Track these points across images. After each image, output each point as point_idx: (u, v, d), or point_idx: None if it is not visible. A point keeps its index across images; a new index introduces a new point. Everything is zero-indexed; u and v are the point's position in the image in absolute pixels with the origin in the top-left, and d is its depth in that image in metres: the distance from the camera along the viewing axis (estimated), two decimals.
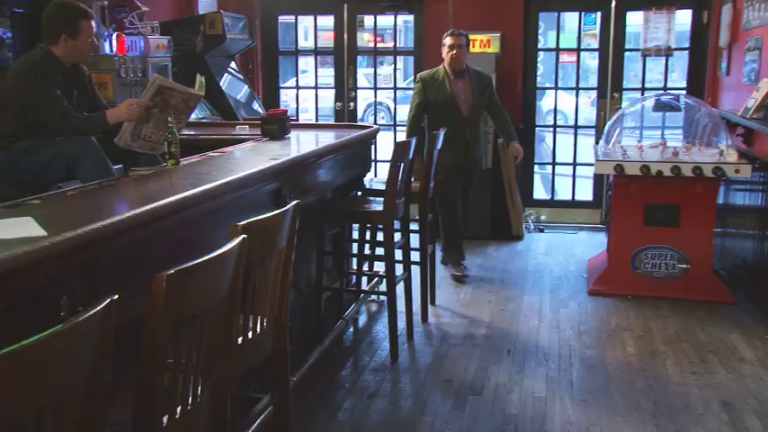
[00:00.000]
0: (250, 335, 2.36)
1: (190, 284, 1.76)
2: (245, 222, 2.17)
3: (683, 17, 7.31)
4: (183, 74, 6.20)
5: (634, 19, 7.41)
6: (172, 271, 1.67)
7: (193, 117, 5.72)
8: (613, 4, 7.29)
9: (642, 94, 7.41)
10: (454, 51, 5.71)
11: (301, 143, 4.50)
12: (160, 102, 3.54)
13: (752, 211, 5.35)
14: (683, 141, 6.11)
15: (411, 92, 8.12)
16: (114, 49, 5.65)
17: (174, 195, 2.55)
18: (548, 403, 3.77)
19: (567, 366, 4.24)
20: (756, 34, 5.64)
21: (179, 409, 1.82)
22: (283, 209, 2.46)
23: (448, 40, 5.74)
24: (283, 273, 2.52)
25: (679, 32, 7.31)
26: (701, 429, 3.49)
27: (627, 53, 7.50)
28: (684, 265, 5.44)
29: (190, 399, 1.85)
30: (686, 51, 7.40)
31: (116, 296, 1.47)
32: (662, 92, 7.16)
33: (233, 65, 7.41)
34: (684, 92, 7.22)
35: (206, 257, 1.80)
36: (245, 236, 2.06)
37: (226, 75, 7.17)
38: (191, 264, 1.74)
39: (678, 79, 7.74)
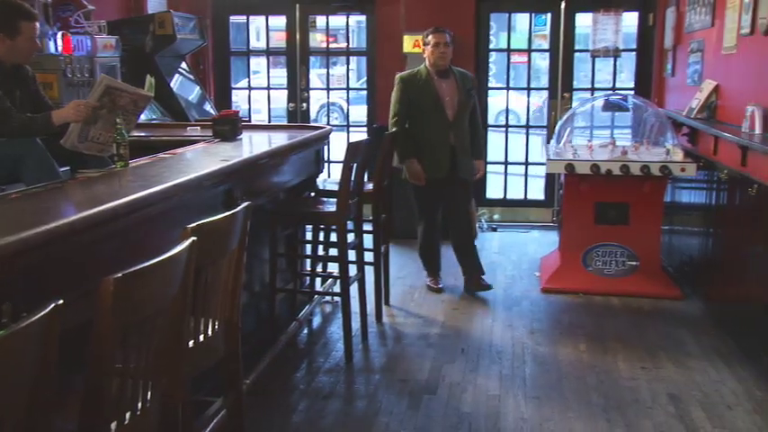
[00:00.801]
0: (201, 338, 2.33)
1: (138, 288, 1.73)
2: (195, 224, 2.15)
3: (630, 19, 7.45)
4: (133, 74, 6.09)
5: (583, 20, 7.53)
6: (119, 274, 1.64)
7: (143, 118, 5.63)
8: (563, 5, 7.39)
9: (592, 95, 7.53)
10: (441, 49, 5.28)
11: (253, 144, 4.47)
12: (108, 102, 3.48)
13: (697, 209, 5.48)
14: (632, 141, 6.23)
15: (364, 92, 8.20)
16: (59, 48, 5.53)
17: (123, 197, 2.51)
18: (501, 401, 3.81)
19: (520, 364, 4.28)
20: (698, 37, 5.77)
21: (128, 414, 1.79)
22: (234, 210, 2.44)
23: (432, 38, 5.30)
24: (235, 275, 2.50)
25: (626, 34, 7.45)
26: (649, 423, 3.56)
27: (576, 54, 7.61)
28: (634, 262, 5.54)
29: (139, 404, 1.83)
30: (633, 52, 7.55)
31: (61, 301, 1.44)
32: (611, 92, 7.28)
33: (184, 65, 7.32)
34: (632, 92, 7.36)
35: (155, 260, 1.78)
36: (195, 238, 2.03)
37: (176, 75, 7.09)
38: (139, 267, 1.71)
39: (626, 80, 7.88)
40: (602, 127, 7.16)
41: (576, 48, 7.61)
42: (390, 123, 5.35)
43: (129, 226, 2.53)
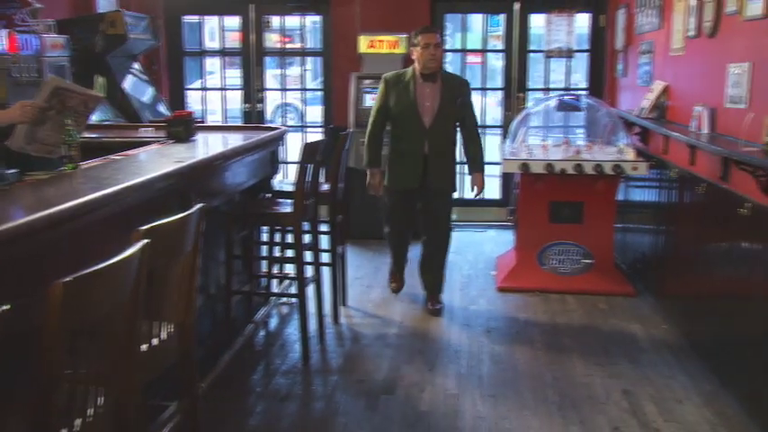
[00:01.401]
0: (155, 341, 2.30)
1: (88, 292, 1.70)
2: (147, 227, 2.12)
3: (583, 20, 7.55)
4: (83, 74, 5.99)
5: (536, 21, 7.61)
6: (69, 278, 1.61)
7: (95, 119, 5.54)
8: (516, 6, 7.47)
9: (546, 95, 7.61)
10: (431, 50, 4.85)
11: (208, 145, 4.42)
12: (57, 103, 3.41)
13: (649, 207, 5.58)
14: (585, 140, 6.31)
15: (320, 92, 8.18)
16: (5, 47, 5.39)
17: (74, 200, 2.47)
18: (459, 400, 3.83)
19: (477, 363, 4.31)
20: (648, 38, 5.88)
21: (78, 422, 1.75)
22: (187, 212, 2.41)
23: (421, 39, 4.88)
24: (189, 277, 2.47)
25: (579, 35, 7.55)
26: (603, 418, 3.61)
27: (531, 54, 7.69)
28: (588, 260, 5.62)
29: (90, 410, 1.79)
30: (586, 53, 7.65)
31: (7, 306, 1.41)
32: (564, 92, 7.38)
33: (136, 66, 7.21)
34: (585, 92, 7.47)
35: (105, 264, 1.75)
36: (146, 240, 2.00)
37: (129, 76, 6.97)
38: (88, 270, 1.68)
39: (580, 80, 7.98)
40: (557, 127, 7.24)
41: (530, 48, 7.70)
42: (368, 126, 5.14)
43: (80, 229, 2.48)
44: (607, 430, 3.50)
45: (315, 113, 8.44)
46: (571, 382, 4.04)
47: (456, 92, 4.99)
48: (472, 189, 5.19)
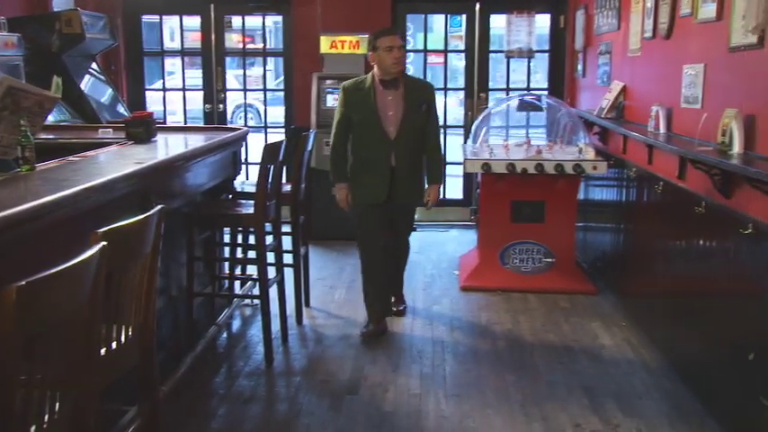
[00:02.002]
0: (114, 345, 2.27)
1: (44, 296, 1.67)
2: (105, 229, 2.09)
3: (543, 21, 7.63)
4: (38, 74, 5.86)
5: (497, 22, 7.67)
6: (22, 282, 1.58)
7: (52, 120, 5.44)
8: (477, 7, 7.51)
9: (507, 95, 7.68)
10: (395, 53, 4.48)
11: (169, 146, 4.38)
12: (11, 104, 3.33)
13: (609, 206, 5.66)
14: (546, 140, 6.39)
15: (281, 93, 8.14)
16: None
17: (29, 202, 2.42)
18: (422, 399, 3.84)
19: (440, 362, 4.32)
20: (606, 39, 5.96)
21: (33, 428, 1.72)
22: (147, 214, 2.38)
23: (383, 41, 4.49)
24: (148, 279, 2.44)
25: (540, 35, 7.63)
26: (565, 415, 3.65)
27: (492, 54, 7.75)
28: (550, 259, 5.67)
29: (47, 416, 1.76)
30: (547, 54, 7.73)
31: None
32: (525, 92, 7.46)
33: (94, 66, 7.10)
34: (546, 92, 7.54)
35: (61, 267, 1.72)
36: (105, 243, 1.97)
37: (87, 76, 6.87)
38: (44, 274, 1.65)
39: (541, 80, 8.06)
40: (518, 126, 7.32)
41: (491, 49, 7.76)
42: (332, 140, 4.75)
43: (37, 232, 2.44)
44: (569, 427, 3.54)
45: (276, 114, 8.40)
46: (533, 380, 4.07)
47: (420, 97, 4.64)
48: (425, 201, 4.83)
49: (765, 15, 3.01)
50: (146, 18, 7.92)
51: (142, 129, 4.37)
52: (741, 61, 3.40)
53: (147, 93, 8.07)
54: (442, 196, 7.84)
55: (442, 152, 4.86)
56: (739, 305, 3.28)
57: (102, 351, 2.19)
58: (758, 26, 3.07)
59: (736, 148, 3.27)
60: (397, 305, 5.13)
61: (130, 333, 2.36)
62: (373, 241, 4.70)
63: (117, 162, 3.61)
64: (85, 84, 6.74)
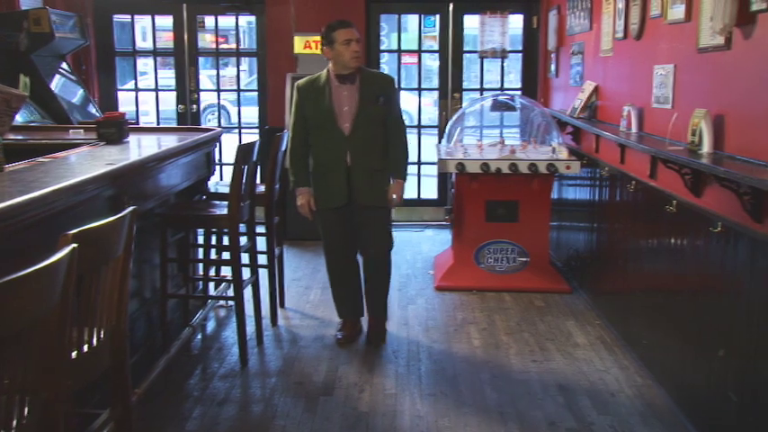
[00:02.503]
0: (85, 348, 2.24)
1: (12, 299, 1.64)
2: (76, 230, 2.06)
3: (516, 21, 7.67)
4: (6, 73, 5.77)
5: (471, 22, 7.70)
6: None
7: (21, 120, 5.38)
8: (451, 7, 7.54)
9: (481, 95, 7.73)
10: (353, 46, 4.33)
11: (141, 147, 4.34)
12: None
13: (582, 205, 5.70)
14: (520, 140, 6.42)
15: (254, 93, 8.10)
16: None
17: None
18: (398, 399, 3.84)
19: (415, 362, 4.33)
20: (579, 39, 6.00)
21: None
22: (119, 215, 2.36)
23: (340, 34, 4.35)
24: (121, 281, 2.42)
25: (513, 36, 7.67)
26: (540, 413, 3.67)
27: (466, 55, 7.79)
28: (524, 258, 5.70)
29: (14, 421, 1.73)
30: (520, 54, 7.77)
31: None
32: (499, 92, 7.50)
33: (65, 66, 7.01)
34: (520, 92, 7.58)
35: (29, 270, 1.69)
36: (75, 245, 1.95)
37: (57, 76, 6.78)
38: (11, 277, 1.62)
39: (514, 80, 8.11)
40: (492, 126, 7.36)
41: (465, 49, 7.79)
42: (288, 144, 4.55)
43: (6, 234, 2.41)
44: (544, 425, 3.56)
45: (251, 114, 8.36)
46: (508, 379, 4.09)
47: (377, 90, 4.41)
48: (389, 199, 4.50)
49: (732, 17, 3.05)
50: (117, 17, 7.85)
51: (114, 129, 4.33)
52: (710, 62, 3.44)
53: (119, 93, 7.99)
54: (416, 196, 7.96)
55: (408, 148, 4.55)
56: (709, 303, 3.32)
57: (74, 354, 2.17)
58: (725, 27, 3.11)
59: (706, 147, 3.31)
60: (373, 329, 4.65)
61: (102, 336, 2.34)
62: (335, 246, 4.56)
63: (88, 163, 3.58)
64: (56, 84, 6.66)
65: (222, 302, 5.23)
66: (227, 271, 5.15)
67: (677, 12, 3.78)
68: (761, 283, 2.83)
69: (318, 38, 7.00)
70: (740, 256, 3.01)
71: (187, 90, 7.77)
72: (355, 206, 4.46)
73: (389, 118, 4.48)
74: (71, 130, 4.93)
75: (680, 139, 3.63)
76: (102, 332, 2.34)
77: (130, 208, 2.47)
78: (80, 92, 7.02)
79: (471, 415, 3.67)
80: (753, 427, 2.92)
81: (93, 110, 7.00)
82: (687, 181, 3.44)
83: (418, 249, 6.86)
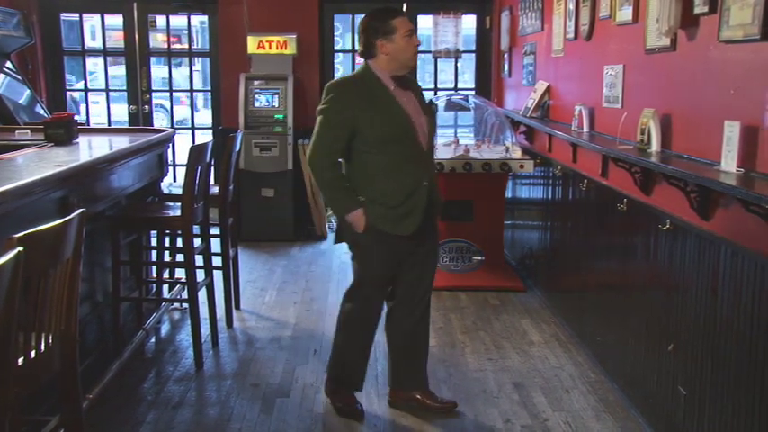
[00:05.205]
0: (33, 353, 2.20)
1: None
2: (22, 234, 2.02)
3: (469, 22, 7.73)
4: None
5: (424, 22, 7.72)
6: None
7: None
8: (404, 7, 7.55)
9: (435, 95, 7.74)
10: (415, 39, 3.49)
11: (91, 148, 4.27)
12: None
13: (536, 204, 5.77)
14: (474, 139, 6.47)
15: (209, 93, 8.01)
16: None
17: None
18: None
19: (372, 361, 4.30)
20: (530, 40, 6.07)
21: None
22: (67, 218, 2.32)
23: (402, 23, 3.43)
24: (70, 285, 2.37)
25: (466, 36, 7.72)
26: (495, 411, 3.70)
27: (420, 55, 7.76)
28: (479, 257, 5.74)
29: None
30: (473, 54, 7.83)
31: None
32: (453, 92, 7.53)
33: (9, 65, 6.84)
34: (473, 92, 7.64)
35: None
36: (21, 248, 1.91)
37: (2, 75, 6.61)
38: None
39: (468, 80, 8.15)
40: (446, 126, 7.39)
41: (419, 49, 7.78)
42: (314, 163, 3.41)
43: None
44: (499, 423, 3.59)
45: (203, 115, 8.28)
46: (464, 377, 4.12)
47: (423, 97, 3.65)
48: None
49: (677, 19, 3.12)
50: (64, 16, 7.69)
51: (62, 130, 4.26)
52: (657, 63, 3.51)
53: (67, 93, 7.84)
54: None
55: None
56: (658, 299, 3.39)
57: (20, 361, 2.12)
58: (671, 29, 3.17)
59: (654, 146, 3.37)
60: (434, 401, 3.73)
61: (51, 341, 2.29)
62: (383, 283, 3.61)
63: (35, 165, 3.51)
64: (0, 83, 6.50)
65: (176, 305, 5.17)
66: (181, 273, 5.08)
67: (625, 13, 3.85)
68: (707, 278, 2.90)
69: (272, 38, 7.05)
70: (688, 252, 3.07)
71: (139, 90, 7.65)
72: (418, 240, 3.53)
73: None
74: (17, 132, 4.82)
75: (630, 138, 3.69)
76: (50, 337, 2.29)
77: (79, 210, 2.43)
78: (26, 92, 6.87)
79: (428, 413, 3.68)
80: (701, 419, 2.98)
81: (40, 110, 6.85)
82: (637, 179, 3.51)
83: None
